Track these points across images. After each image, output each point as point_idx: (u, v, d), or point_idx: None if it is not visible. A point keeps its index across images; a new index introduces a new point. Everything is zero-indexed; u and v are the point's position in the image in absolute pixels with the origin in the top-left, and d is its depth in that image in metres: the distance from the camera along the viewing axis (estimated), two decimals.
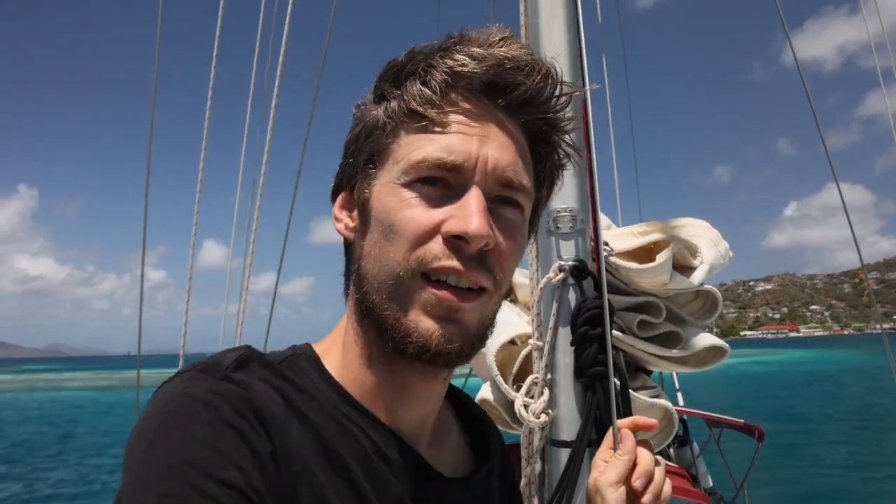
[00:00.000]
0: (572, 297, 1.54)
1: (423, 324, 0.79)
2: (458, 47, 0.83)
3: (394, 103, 0.84)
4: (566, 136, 0.92)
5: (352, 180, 0.89)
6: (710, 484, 6.26)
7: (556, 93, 0.86)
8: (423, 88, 0.82)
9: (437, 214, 0.79)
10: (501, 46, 0.82)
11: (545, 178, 0.93)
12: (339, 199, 0.93)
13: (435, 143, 0.81)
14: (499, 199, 0.83)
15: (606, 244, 1.88)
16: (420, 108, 0.82)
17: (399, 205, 0.81)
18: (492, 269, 0.81)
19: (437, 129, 0.81)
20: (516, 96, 0.84)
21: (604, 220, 2.26)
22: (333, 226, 0.92)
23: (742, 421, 6.56)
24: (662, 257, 1.86)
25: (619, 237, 1.98)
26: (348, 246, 0.91)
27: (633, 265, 1.86)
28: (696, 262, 1.97)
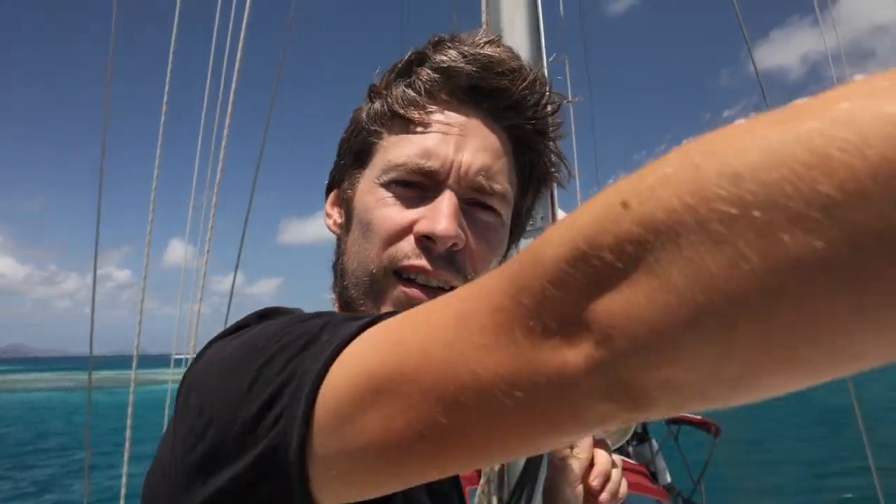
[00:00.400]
0: None
1: None
2: (447, 44, 0.83)
3: (378, 104, 0.86)
4: (553, 143, 0.91)
5: (341, 178, 0.91)
6: (669, 480, 6.36)
7: (543, 100, 0.86)
8: (406, 90, 0.83)
9: (410, 214, 0.81)
10: (488, 48, 0.82)
11: (530, 185, 0.93)
12: (331, 196, 0.95)
13: (414, 145, 0.82)
14: (474, 203, 0.83)
15: None
16: (402, 111, 0.83)
17: (376, 203, 0.82)
18: (462, 270, 0.81)
19: (417, 129, 0.82)
20: (501, 100, 0.84)
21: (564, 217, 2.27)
22: (325, 221, 0.95)
23: (699, 417, 6.69)
24: None
25: None
26: (338, 241, 0.93)
27: None
28: None
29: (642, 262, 0.31)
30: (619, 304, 0.32)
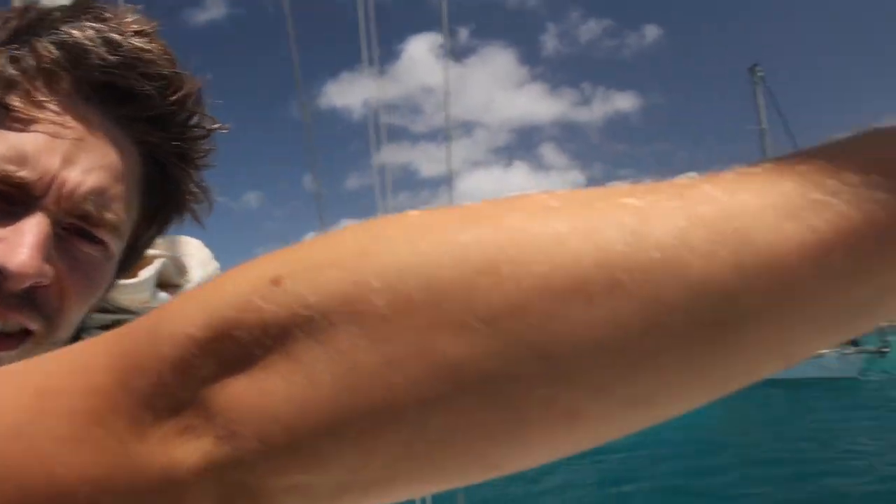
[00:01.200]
0: None
1: None
2: (82, 15, 0.66)
3: None
4: (197, 172, 0.76)
5: None
6: None
7: (194, 121, 0.71)
8: (8, 66, 0.63)
9: None
10: (138, 40, 0.66)
11: (157, 215, 0.76)
12: None
13: (5, 143, 0.62)
14: (76, 230, 0.66)
15: None
16: None
17: None
18: (44, 309, 0.64)
19: (15, 124, 0.62)
20: (141, 109, 0.67)
21: None
22: None
23: None
24: (145, 274, 2.14)
25: None
26: None
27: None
28: (182, 281, 2.29)
29: (286, 349, 0.28)
30: (252, 397, 0.28)
